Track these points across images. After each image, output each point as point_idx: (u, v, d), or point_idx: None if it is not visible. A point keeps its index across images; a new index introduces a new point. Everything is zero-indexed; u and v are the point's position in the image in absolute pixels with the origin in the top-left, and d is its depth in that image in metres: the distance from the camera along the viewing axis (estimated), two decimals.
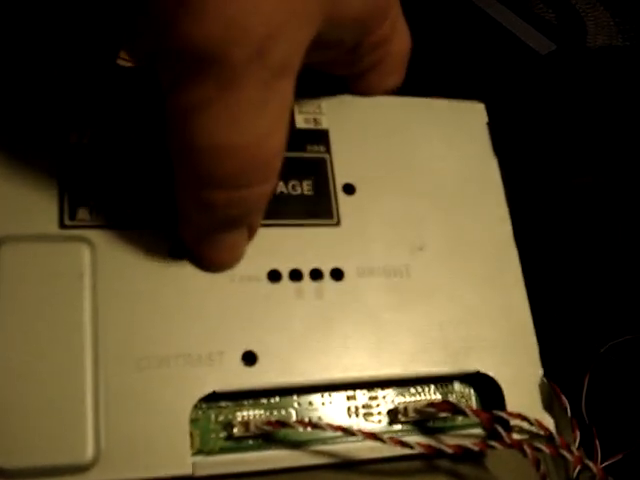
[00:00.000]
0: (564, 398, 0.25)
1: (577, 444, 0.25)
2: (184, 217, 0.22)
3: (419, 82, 0.27)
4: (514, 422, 0.23)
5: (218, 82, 0.18)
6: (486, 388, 0.25)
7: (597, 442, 0.28)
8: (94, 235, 0.22)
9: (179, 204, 0.21)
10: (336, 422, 0.23)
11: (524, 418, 0.23)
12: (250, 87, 0.18)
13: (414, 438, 0.23)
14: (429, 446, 0.22)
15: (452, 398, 0.25)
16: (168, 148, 0.20)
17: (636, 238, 0.37)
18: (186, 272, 0.22)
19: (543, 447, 0.23)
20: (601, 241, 0.37)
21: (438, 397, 0.24)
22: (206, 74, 0.18)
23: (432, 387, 0.25)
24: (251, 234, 0.23)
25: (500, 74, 0.44)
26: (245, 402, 0.23)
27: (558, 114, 0.42)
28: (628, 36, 0.49)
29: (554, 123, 0.42)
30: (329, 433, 0.22)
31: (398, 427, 0.24)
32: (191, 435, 0.21)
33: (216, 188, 0.20)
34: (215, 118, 0.18)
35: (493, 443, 0.23)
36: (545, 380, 0.25)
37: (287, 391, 0.23)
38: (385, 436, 0.22)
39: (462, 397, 0.25)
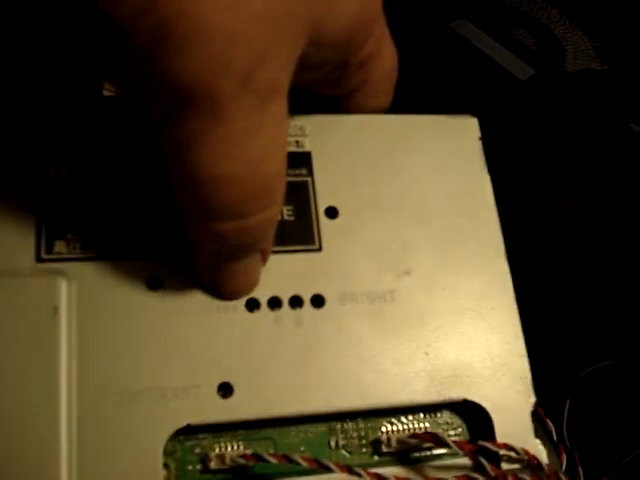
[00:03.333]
0: (549, 422, 0.24)
1: (563, 469, 0.24)
2: (196, 250, 0.21)
3: (403, 106, 0.26)
4: (503, 452, 0.22)
5: (208, 115, 0.17)
6: (475, 416, 0.23)
7: (580, 469, 0.27)
8: (71, 268, 0.21)
9: (190, 238, 0.20)
10: (315, 455, 0.21)
11: (511, 448, 0.22)
12: (241, 115, 0.17)
13: (393, 471, 0.21)
14: None
15: (439, 427, 0.23)
16: (169, 184, 0.19)
17: (617, 262, 0.36)
18: (163, 304, 0.21)
19: (529, 478, 0.22)
20: (582, 265, 0.36)
21: (425, 425, 0.23)
22: (195, 109, 0.17)
23: (419, 415, 0.23)
24: (264, 258, 0.22)
25: (481, 99, 0.44)
26: (222, 434, 0.21)
27: (538, 138, 0.42)
28: (606, 60, 0.49)
29: (534, 147, 0.41)
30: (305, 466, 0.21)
31: (381, 458, 0.22)
32: (167, 467, 0.20)
33: (223, 219, 0.19)
34: (210, 150, 0.18)
35: (475, 475, 0.21)
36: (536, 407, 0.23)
37: (264, 423, 0.21)
38: (362, 470, 0.20)
39: (450, 426, 0.23)
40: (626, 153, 0.41)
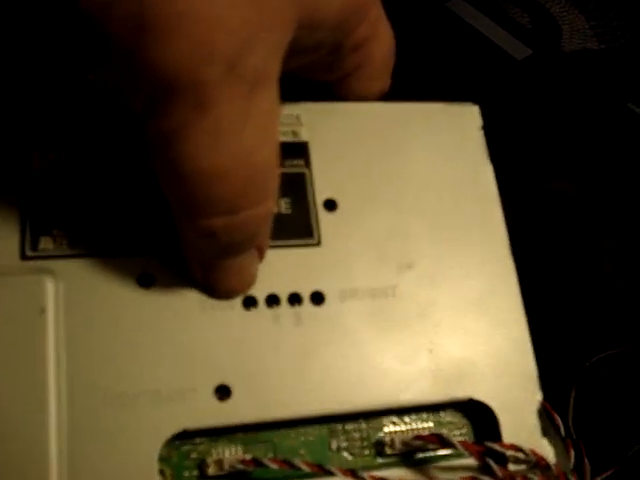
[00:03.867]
0: (558, 418, 0.24)
1: (572, 464, 0.23)
2: (188, 248, 0.20)
3: (398, 89, 0.25)
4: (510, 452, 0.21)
5: (192, 105, 0.16)
6: (481, 415, 0.22)
7: (586, 460, 0.26)
8: (57, 266, 0.20)
9: (180, 235, 0.19)
10: (316, 457, 0.21)
11: (518, 449, 0.21)
12: (227, 104, 0.16)
13: (399, 473, 0.21)
14: None
15: (444, 427, 0.22)
16: (157, 179, 0.18)
17: (619, 246, 0.36)
18: (156, 302, 0.20)
19: (536, 478, 0.21)
20: (583, 249, 0.36)
21: (430, 425, 0.22)
22: (178, 99, 0.16)
23: (423, 415, 0.22)
24: (261, 255, 0.21)
25: (477, 80, 0.43)
26: (220, 438, 0.20)
27: (535, 119, 0.41)
28: (603, 39, 0.48)
29: (531, 128, 0.41)
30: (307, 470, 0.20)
31: (385, 460, 0.21)
32: (163, 474, 0.20)
33: (213, 215, 0.18)
34: (196, 141, 0.17)
35: (483, 477, 0.20)
36: (543, 404, 0.22)
37: (264, 426, 0.20)
38: (366, 473, 0.19)
39: (455, 426, 0.22)
40: (624, 133, 0.41)
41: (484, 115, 0.25)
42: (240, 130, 0.17)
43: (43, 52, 0.20)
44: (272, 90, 0.18)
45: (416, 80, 0.25)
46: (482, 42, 0.46)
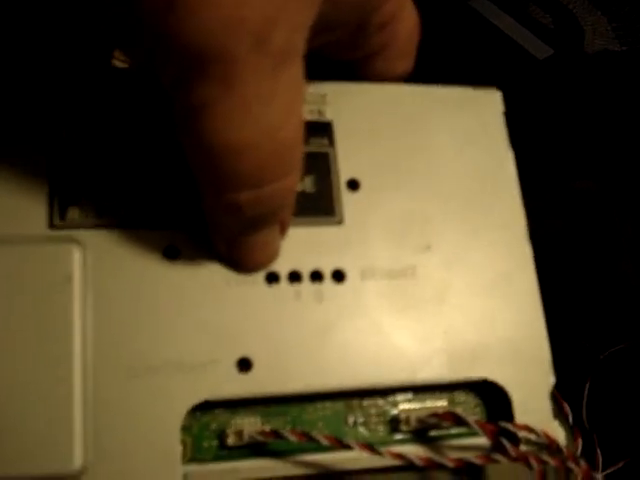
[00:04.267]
0: (566, 406, 0.24)
1: (579, 452, 0.23)
2: (213, 222, 0.20)
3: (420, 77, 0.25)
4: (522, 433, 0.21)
5: (221, 79, 0.16)
6: (494, 396, 0.22)
7: (598, 450, 0.27)
8: (84, 236, 0.20)
9: (206, 210, 0.20)
10: (332, 431, 0.21)
11: (531, 430, 0.21)
12: (255, 79, 0.17)
13: (414, 450, 0.21)
14: (429, 459, 0.20)
15: (457, 406, 0.22)
16: (184, 153, 0.18)
17: (635, 245, 0.36)
18: (180, 275, 0.20)
19: (549, 459, 0.21)
20: (601, 246, 0.36)
21: (443, 404, 0.22)
22: (207, 72, 0.16)
23: (437, 394, 0.22)
24: (283, 230, 0.21)
25: (499, 78, 0.43)
26: (239, 409, 0.21)
27: (557, 118, 0.41)
28: (625, 41, 0.48)
29: (553, 128, 0.41)
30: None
31: (400, 436, 0.22)
32: (184, 443, 0.20)
33: (239, 189, 0.18)
34: (223, 116, 0.17)
35: (497, 457, 0.21)
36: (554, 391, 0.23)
37: (283, 399, 0.21)
38: (383, 448, 0.20)
39: (468, 405, 0.22)
40: None
41: (505, 113, 0.25)
42: (266, 105, 0.17)
43: (75, 25, 0.20)
44: (298, 66, 0.18)
45: (437, 79, 0.25)
46: (504, 41, 0.46)
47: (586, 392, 0.30)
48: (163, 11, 0.16)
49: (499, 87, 0.26)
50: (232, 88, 0.17)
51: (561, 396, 0.24)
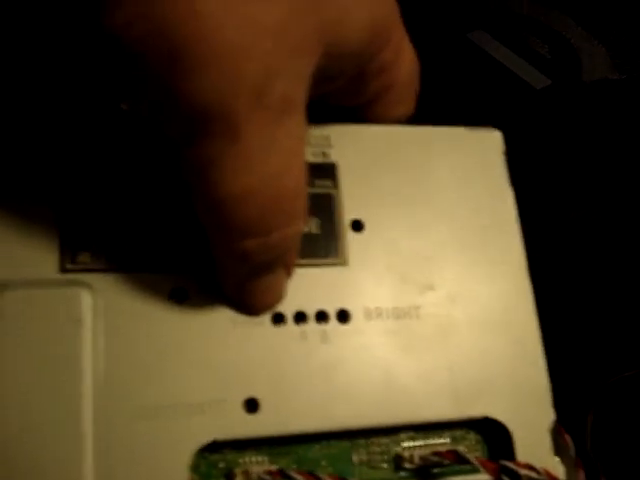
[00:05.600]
0: (568, 438, 0.24)
1: None
2: (221, 268, 0.20)
3: (418, 117, 0.25)
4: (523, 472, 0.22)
5: (224, 134, 0.17)
6: (496, 433, 0.22)
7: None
8: (95, 279, 0.20)
9: (215, 257, 0.20)
10: (338, 469, 0.21)
11: (532, 468, 0.21)
12: (255, 131, 0.17)
13: None
14: None
15: (460, 443, 0.22)
16: (193, 203, 0.19)
17: (632, 272, 0.36)
18: (187, 317, 0.21)
19: None
20: (598, 276, 0.36)
21: (446, 441, 0.22)
22: (211, 129, 0.17)
23: (439, 432, 0.22)
24: (289, 272, 0.21)
25: (497, 109, 0.43)
26: (247, 449, 0.21)
27: (555, 148, 0.42)
28: (623, 70, 0.48)
29: (551, 157, 0.41)
30: None
31: (403, 474, 0.22)
32: None
33: (245, 237, 0.18)
34: (227, 168, 0.17)
35: None
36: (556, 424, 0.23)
37: (290, 439, 0.21)
38: None
39: (470, 442, 0.23)
40: None
41: (504, 144, 0.26)
42: (269, 155, 0.18)
43: (79, 80, 0.21)
44: (299, 116, 0.18)
45: (436, 110, 0.26)
46: (502, 72, 0.46)
47: (590, 422, 0.30)
48: (167, 68, 0.16)
49: (497, 118, 0.26)
50: (235, 141, 0.17)
51: (565, 426, 0.24)
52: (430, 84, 0.26)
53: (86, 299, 0.20)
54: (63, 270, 0.20)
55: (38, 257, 0.20)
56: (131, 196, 0.21)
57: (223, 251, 0.19)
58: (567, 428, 0.23)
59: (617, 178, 0.40)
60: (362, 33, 0.20)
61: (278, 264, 0.20)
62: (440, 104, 0.39)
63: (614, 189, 0.39)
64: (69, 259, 0.20)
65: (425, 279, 0.23)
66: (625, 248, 0.37)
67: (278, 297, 0.21)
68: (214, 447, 0.20)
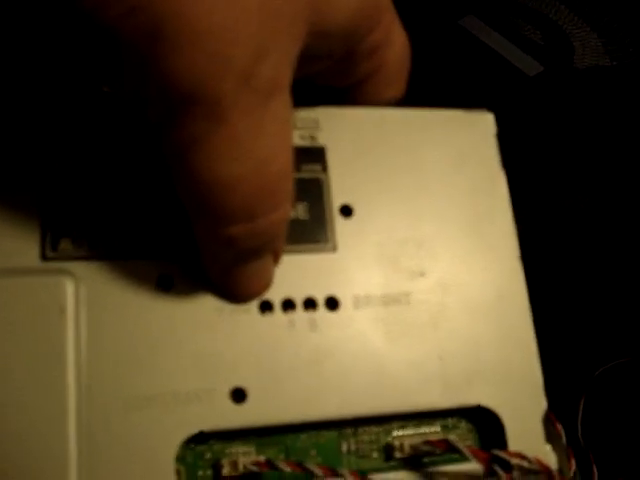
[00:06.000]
0: (559, 426, 0.24)
1: (572, 473, 0.23)
2: (206, 254, 0.20)
3: (409, 104, 0.25)
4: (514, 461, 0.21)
5: (208, 117, 0.16)
6: (487, 421, 0.22)
7: (594, 468, 0.27)
8: (77, 267, 0.20)
9: (199, 242, 0.20)
10: (327, 459, 0.21)
11: (523, 457, 0.21)
12: (242, 115, 0.17)
13: (406, 477, 0.21)
14: None
15: (451, 432, 0.22)
16: (176, 188, 0.18)
17: (624, 260, 0.36)
18: (173, 305, 0.20)
19: None
20: (590, 263, 0.36)
21: (437, 430, 0.22)
22: (194, 110, 0.16)
23: (430, 420, 0.22)
24: (276, 258, 0.21)
25: (489, 96, 0.43)
26: (234, 439, 0.20)
27: (548, 135, 0.41)
28: (615, 56, 0.48)
29: (544, 144, 0.41)
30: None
31: (393, 463, 0.22)
32: (178, 473, 0.20)
33: (231, 223, 0.18)
34: (212, 152, 0.17)
35: None
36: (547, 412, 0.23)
37: (277, 429, 0.21)
38: (377, 476, 0.20)
39: (461, 431, 0.22)
40: (636, 150, 0.41)
41: (497, 132, 0.25)
42: (255, 139, 0.17)
43: (59, 63, 0.20)
44: (285, 98, 0.18)
45: (428, 97, 0.25)
46: (494, 59, 0.46)
47: (581, 409, 0.30)
48: (148, 47, 0.15)
49: (489, 104, 0.26)
50: (220, 124, 0.16)
51: (556, 414, 0.23)
52: (421, 71, 0.26)
53: (69, 287, 0.20)
54: (44, 258, 0.20)
55: (19, 245, 0.20)
56: (114, 182, 0.21)
57: (208, 237, 0.19)
58: (558, 415, 0.23)
59: (609, 164, 0.40)
60: (351, 13, 0.19)
61: (265, 250, 0.20)
62: (431, 91, 0.39)
63: (606, 175, 0.39)
64: (50, 247, 0.20)
65: (416, 265, 0.22)
66: (617, 236, 0.36)
67: (265, 284, 0.21)
68: (200, 438, 0.20)
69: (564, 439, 0.23)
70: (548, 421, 0.23)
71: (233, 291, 0.21)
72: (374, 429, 0.22)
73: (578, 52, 0.48)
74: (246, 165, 0.17)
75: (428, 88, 0.37)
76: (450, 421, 0.22)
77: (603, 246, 0.36)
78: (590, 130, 0.42)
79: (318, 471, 0.19)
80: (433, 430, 0.22)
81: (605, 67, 0.47)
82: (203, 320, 0.20)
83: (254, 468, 0.20)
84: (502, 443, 0.22)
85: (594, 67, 0.47)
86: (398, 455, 0.21)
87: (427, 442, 0.21)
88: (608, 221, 0.37)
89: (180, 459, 0.20)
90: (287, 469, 0.19)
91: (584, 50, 0.48)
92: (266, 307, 0.21)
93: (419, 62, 0.25)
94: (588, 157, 0.40)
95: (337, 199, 0.22)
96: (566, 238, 0.36)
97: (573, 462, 0.24)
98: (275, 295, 0.21)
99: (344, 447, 0.21)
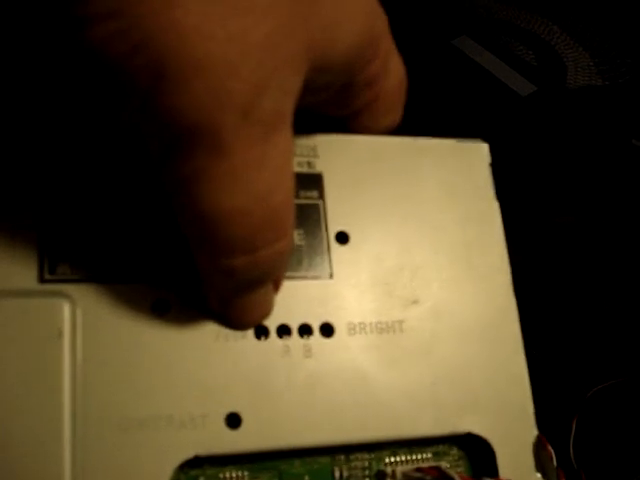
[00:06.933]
0: (550, 448, 0.24)
1: None
2: (208, 284, 0.20)
3: (403, 124, 0.25)
4: None
5: (210, 150, 0.16)
6: (478, 448, 0.22)
7: None
8: (74, 290, 0.20)
9: (201, 272, 0.19)
10: None
11: None
12: (243, 148, 0.17)
13: None
14: None
15: (442, 459, 0.22)
16: (176, 217, 0.18)
17: (617, 278, 0.36)
18: (169, 329, 0.20)
19: None
20: (583, 282, 0.36)
21: (429, 456, 0.22)
22: (196, 145, 0.16)
23: (422, 447, 0.22)
24: (277, 287, 0.21)
25: (482, 116, 0.43)
26: (227, 465, 0.20)
27: (540, 154, 0.42)
28: (608, 76, 0.48)
29: (535, 163, 0.41)
30: None
31: None
32: None
33: (233, 254, 0.18)
34: (213, 185, 0.17)
35: None
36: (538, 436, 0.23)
37: (271, 455, 0.21)
38: None
39: (452, 458, 0.23)
40: (628, 169, 0.41)
41: (489, 149, 0.26)
42: (257, 172, 0.17)
43: (60, 92, 0.20)
44: (287, 131, 0.18)
45: (421, 116, 0.26)
46: (487, 79, 0.46)
47: (573, 430, 0.30)
48: (151, 83, 0.15)
49: (482, 125, 0.26)
50: (222, 157, 0.16)
51: (548, 436, 0.24)
52: (415, 91, 0.26)
53: (65, 310, 0.20)
54: (42, 280, 0.20)
55: (17, 267, 0.20)
56: (112, 206, 0.21)
57: (208, 267, 0.19)
58: (550, 437, 0.23)
59: (602, 184, 0.40)
60: (351, 46, 0.20)
61: (266, 280, 0.20)
62: (425, 111, 0.39)
63: (599, 196, 0.39)
64: (48, 269, 0.20)
65: (409, 293, 0.23)
66: (609, 257, 0.37)
67: (266, 313, 0.21)
68: (195, 462, 0.20)
69: (555, 462, 0.23)
70: (539, 445, 0.23)
71: (233, 320, 0.21)
72: (366, 455, 0.22)
73: (571, 72, 0.48)
74: (248, 198, 0.17)
75: (421, 107, 0.38)
76: (441, 448, 0.23)
77: (595, 269, 0.36)
78: (582, 149, 0.42)
79: None
80: (424, 457, 0.22)
81: (597, 87, 0.47)
82: (199, 344, 0.20)
83: None
84: (493, 470, 0.22)
85: (587, 87, 0.47)
86: None
87: (419, 469, 0.21)
88: (602, 243, 0.37)
89: None
90: None
91: (577, 70, 0.49)
92: (262, 332, 0.21)
93: (412, 82, 0.25)
94: (581, 177, 0.40)
95: (333, 226, 0.23)
96: (558, 260, 0.36)
97: None
98: (271, 321, 0.21)
99: (337, 473, 0.22)
